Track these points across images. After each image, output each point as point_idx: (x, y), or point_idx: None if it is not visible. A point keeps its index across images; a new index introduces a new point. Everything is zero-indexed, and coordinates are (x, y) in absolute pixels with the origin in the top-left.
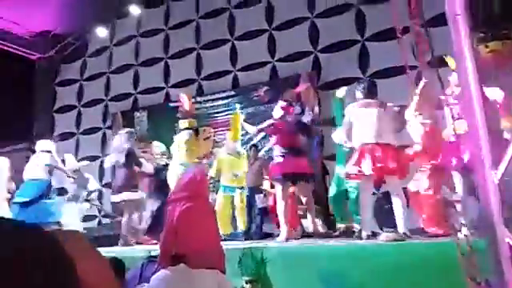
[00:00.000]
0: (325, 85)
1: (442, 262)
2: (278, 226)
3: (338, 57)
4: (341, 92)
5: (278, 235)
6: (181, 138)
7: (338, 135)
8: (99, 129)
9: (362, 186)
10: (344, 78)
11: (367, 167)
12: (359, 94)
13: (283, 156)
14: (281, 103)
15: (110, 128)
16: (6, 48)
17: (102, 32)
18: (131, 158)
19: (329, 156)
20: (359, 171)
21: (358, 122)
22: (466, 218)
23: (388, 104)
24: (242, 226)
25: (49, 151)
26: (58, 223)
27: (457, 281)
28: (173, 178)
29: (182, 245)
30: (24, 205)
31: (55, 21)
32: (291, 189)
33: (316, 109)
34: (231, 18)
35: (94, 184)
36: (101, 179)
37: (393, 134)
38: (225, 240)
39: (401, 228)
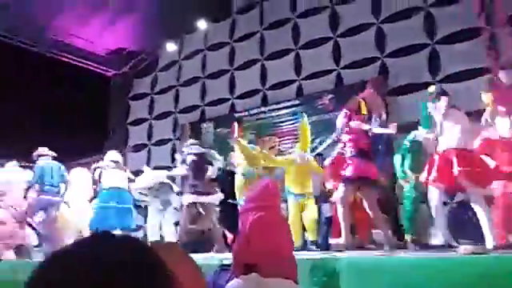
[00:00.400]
0: (393, 90)
1: None
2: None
3: (406, 61)
4: (431, 88)
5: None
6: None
7: (422, 135)
8: (169, 140)
9: (436, 194)
10: (413, 83)
11: (446, 174)
12: (444, 102)
13: (352, 158)
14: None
15: (178, 139)
16: (84, 65)
17: (171, 47)
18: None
19: None
20: (438, 178)
21: (448, 127)
22: None
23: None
24: (312, 235)
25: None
26: (141, 228)
27: None
28: (239, 188)
29: (255, 254)
30: (109, 210)
31: (128, 39)
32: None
33: (383, 115)
34: (295, 27)
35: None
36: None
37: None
38: (296, 250)
39: (489, 242)
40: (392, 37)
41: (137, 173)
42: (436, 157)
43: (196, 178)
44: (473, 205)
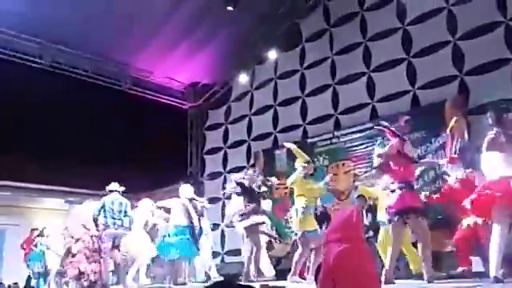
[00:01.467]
0: (476, 109)
1: None
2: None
3: (487, 78)
4: None
5: None
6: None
7: None
8: (243, 167)
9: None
10: (496, 100)
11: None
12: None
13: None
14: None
15: (253, 166)
16: (163, 100)
17: (243, 78)
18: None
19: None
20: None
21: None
22: None
23: None
24: (414, 265)
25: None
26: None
27: None
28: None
29: (341, 285)
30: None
31: (203, 72)
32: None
33: (466, 135)
34: (366, 49)
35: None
36: None
37: None
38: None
39: None
40: (470, 53)
41: (213, 200)
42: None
43: None
44: None
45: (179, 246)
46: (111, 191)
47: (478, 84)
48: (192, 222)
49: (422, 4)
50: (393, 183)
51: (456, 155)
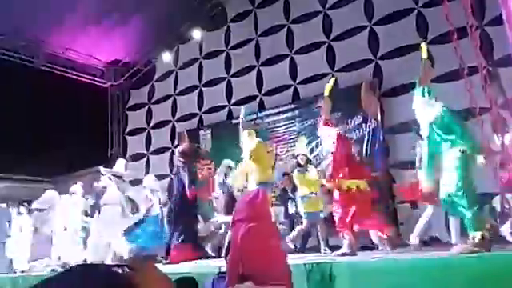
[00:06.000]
0: (388, 92)
1: None
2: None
3: (399, 62)
4: None
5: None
6: None
7: None
8: (168, 148)
9: None
10: (407, 83)
11: None
12: None
13: None
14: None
15: (177, 147)
16: (81, 78)
17: (167, 57)
18: None
19: (395, 164)
20: None
21: None
22: None
23: None
24: None
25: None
26: None
27: None
28: None
29: (247, 264)
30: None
31: (124, 50)
32: None
33: (379, 117)
34: (289, 32)
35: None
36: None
37: None
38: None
39: None
40: (385, 38)
41: (136, 182)
42: None
43: None
44: None
45: None
46: None
47: (391, 68)
48: None
49: None
50: None
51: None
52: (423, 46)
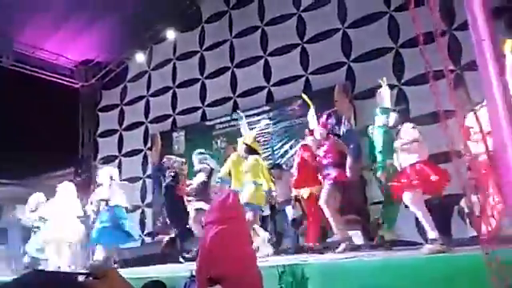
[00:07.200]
0: (360, 94)
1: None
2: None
3: (371, 66)
4: None
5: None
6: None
7: None
8: (140, 150)
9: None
10: (379, 86)
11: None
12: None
13: None
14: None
15: (150, 149)
16: (51, 78)
17: (140, 57)
18: None
19: (368, 166)
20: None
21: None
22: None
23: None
24: None
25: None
26: None
27: None
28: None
29: (217, 268)
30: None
31: (96, 50)
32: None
33: (352, 119)
34: (263, 34)
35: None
36: (142, 200)
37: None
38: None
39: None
40: (357, 42)
41: None
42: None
43: None
44: None
45: None
46: None
47: (363, 71)
48: None
49: None
50: None
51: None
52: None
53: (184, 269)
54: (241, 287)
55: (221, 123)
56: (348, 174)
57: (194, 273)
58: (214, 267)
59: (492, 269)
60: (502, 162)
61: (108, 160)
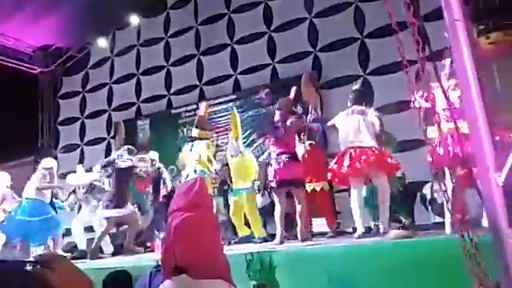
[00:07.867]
0: (326, 84)
1: (449, 258)
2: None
3: (338, 55)
4: None
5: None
6: (201, 148)
7: None
8: (103, 139)
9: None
10: (345, 76)
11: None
12: (348, 102)
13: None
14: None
15: (113, 138)
16: (8, 64)
17: (102, 43)
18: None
19: (332, 154)
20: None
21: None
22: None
23: (370, 110)
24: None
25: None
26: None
27: (463, 278)
28: None
29: (182, 256)
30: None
31: (56, 35)
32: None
33: (318, 108)
34: (230, 22)
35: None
36: None
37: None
38: (240, 243)
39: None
40: (324, 31)
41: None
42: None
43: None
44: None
45: None
46: None
47: (330, 60)
48: None
49: None
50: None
51: None
52: None
53: (149, 258)
54: (207, 275)
55: (187, 111)
56: None
57: (159, 262)
58: (178, 256)
59: (466, 252)
60: (474, 145)
61: (70, 149)
